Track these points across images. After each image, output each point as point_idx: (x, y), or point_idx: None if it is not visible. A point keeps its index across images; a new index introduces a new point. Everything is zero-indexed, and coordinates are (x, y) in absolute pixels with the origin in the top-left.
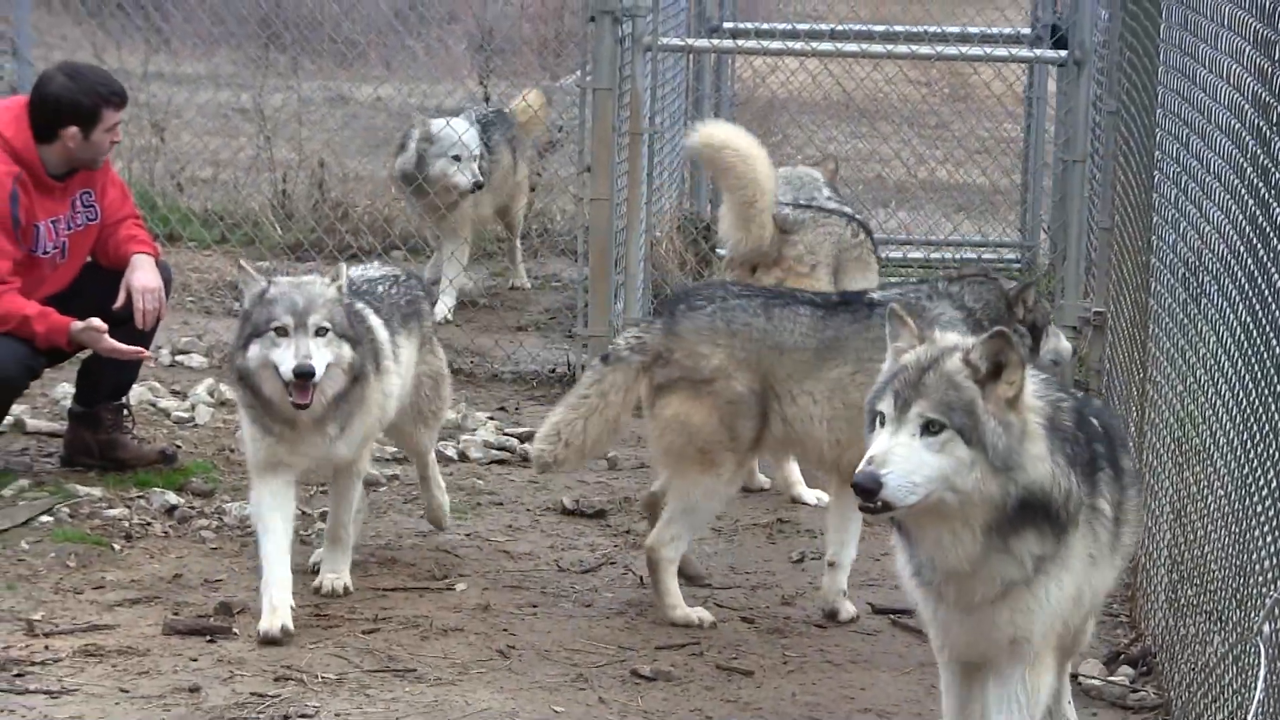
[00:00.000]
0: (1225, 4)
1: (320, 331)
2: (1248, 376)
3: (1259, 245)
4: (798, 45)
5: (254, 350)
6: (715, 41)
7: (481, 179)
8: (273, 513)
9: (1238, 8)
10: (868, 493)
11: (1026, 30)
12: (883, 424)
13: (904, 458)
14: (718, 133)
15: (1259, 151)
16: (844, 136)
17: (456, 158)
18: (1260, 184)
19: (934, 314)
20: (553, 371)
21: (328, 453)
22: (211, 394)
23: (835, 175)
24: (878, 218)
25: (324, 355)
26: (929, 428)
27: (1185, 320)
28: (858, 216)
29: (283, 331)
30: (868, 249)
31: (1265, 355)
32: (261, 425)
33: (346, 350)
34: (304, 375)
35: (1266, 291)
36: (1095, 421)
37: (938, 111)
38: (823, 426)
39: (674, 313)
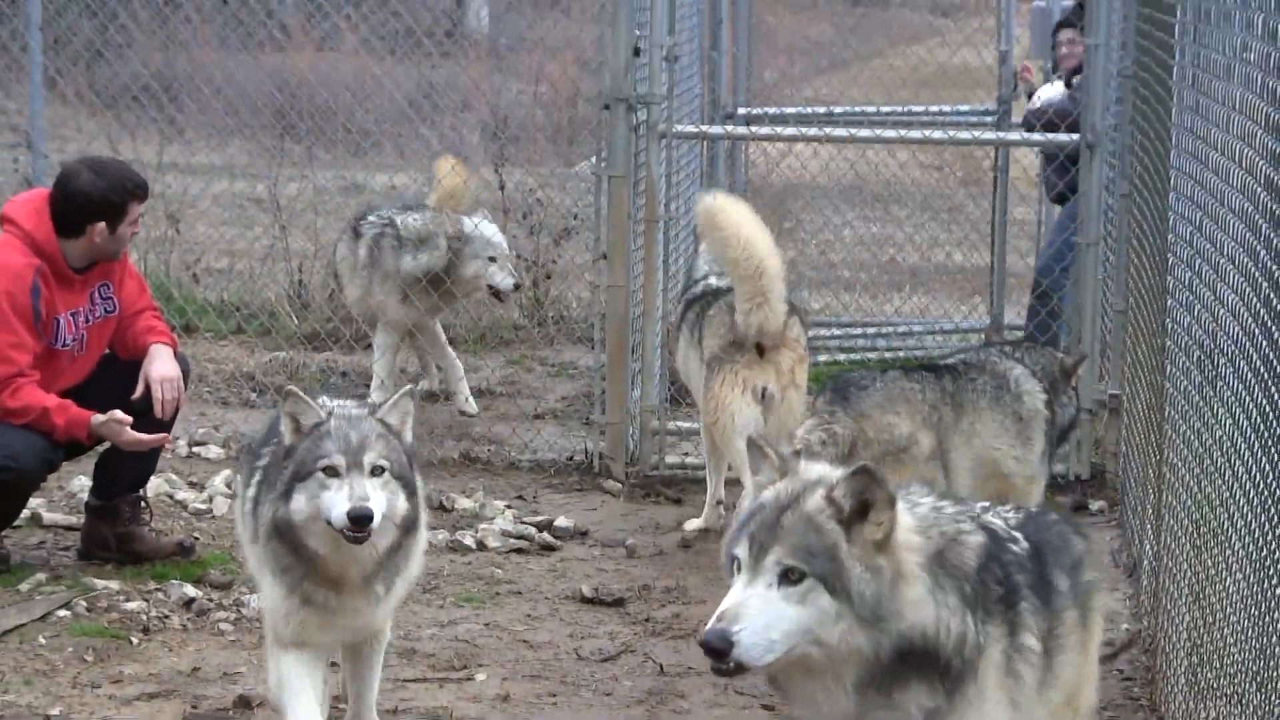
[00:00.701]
0: (1237, 88)
1: (376, 471)
2: (1265, 459)
3: (1274, 328)
4: (811, 130)
5: (299, 500)
6: (729, 128)
7: (520, 279)
8: (302, 687)
9: (1249, 91)
10: (718, 653)
11: (993, 106)
12: (739, 570)
13: (759, 612)
14: (722, 207)
15: (1272, 235)
16: (859, 221)
17: (492, 259)
18: (1275, 267)
19: (1003, 369)
20: (570, 459)
21: (369, 620)
22: (228, 485)
23: None
24: (892, 302)
25: (380, 499)
26: (787, 576)
27: (1201, 403)
28: None
29: (333, 471)
30: None
31: None
32: (300, 595)
33: (401, 500)
34: (360, 521)
35: None
36: (1021, 546)
37: (951, 195)
38: (965, 475)
39: (847, 397)
